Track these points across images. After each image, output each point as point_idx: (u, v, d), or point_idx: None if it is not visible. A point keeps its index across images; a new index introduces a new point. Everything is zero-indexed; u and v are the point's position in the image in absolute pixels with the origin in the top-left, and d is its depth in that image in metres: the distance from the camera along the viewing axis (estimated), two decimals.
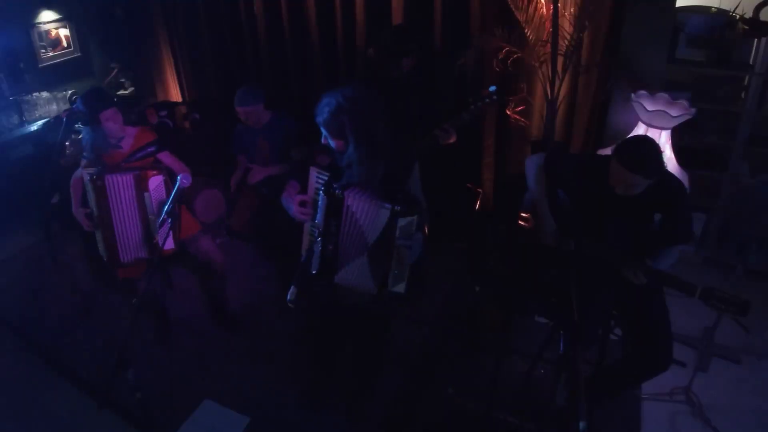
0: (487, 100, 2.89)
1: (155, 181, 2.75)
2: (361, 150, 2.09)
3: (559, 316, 2.22)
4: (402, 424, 2.73)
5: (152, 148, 2.87)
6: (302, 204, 2.20)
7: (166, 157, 2.97)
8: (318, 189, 2.16)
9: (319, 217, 2.14)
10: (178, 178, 2.67)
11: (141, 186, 2.73)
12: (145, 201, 2.74)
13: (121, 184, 2.72)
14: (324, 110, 2.08)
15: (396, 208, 2.07)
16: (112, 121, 2.78)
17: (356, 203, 2.10)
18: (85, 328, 3.36)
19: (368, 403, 2.76)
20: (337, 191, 2.09)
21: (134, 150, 2.85)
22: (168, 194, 2.73)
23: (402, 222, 2.08)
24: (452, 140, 2.95)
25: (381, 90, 3.04)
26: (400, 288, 2.18)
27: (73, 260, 3.71)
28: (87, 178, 2.71)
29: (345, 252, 2.17)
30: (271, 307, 3.49)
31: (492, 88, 2.87)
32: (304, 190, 2.23)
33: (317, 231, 2.15)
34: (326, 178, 2.13)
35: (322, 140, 2.19)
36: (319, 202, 2.13)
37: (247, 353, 3.15)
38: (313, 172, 2.17)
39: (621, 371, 2.46)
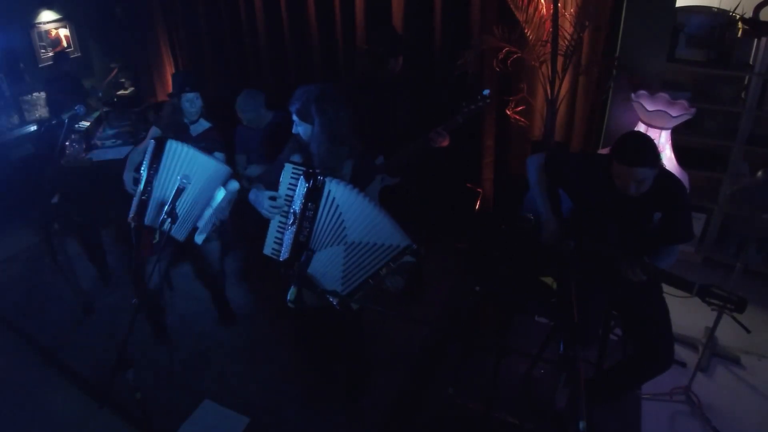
0: (480, 103, 2.89)
1: (232, 185, 2.85)
2: (324, 131, 2.20)
3: (559, 316, 2.23)
4: (402, 424, 2.73)
5: (214, 144, 2.99)
6: (272, 199, 2.23)
7: (220, 159, 3.01)
8: (293, 181, 2.20)
9: (297, 203, 2.16)
10: (178, 178, 2.68)
11: (222, 181, 2.84)
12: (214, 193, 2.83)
13: (180, 156, 2.75)
14: (296, 97, 2.25)
15: (414, 246, 2.13)
16: (189, 103, 2.94)
17: (343, 194, 2.12)
18: (85, 328, 3.36)
19: (368, 404, 2.76)
20: (318, 177, 2.11)
21: (199, 137, 2.99)
22: (231, 203, 2.90)
23: (407, 258, 2.14)
24: (445, 143, 2.95)
25: (371, 91, 3.06)
26: (355, 305, 2.24)
27: (73, 260, 3.71)
28: (154, 134, 2.86)
29: (319, 237, 2.18)
30: (271, 307, 3.49)
31: (485, 92, 2.89)
32: (271, 188, 2.26)
33: (292, 217, 2.16)
34: (302, 170, 2.17)
35: (293, 129, 2.29)
36: (298, 188, 2.16)
37: (247, 353, 3.15)
38: (289, 167, 2.22)
39: (622, 371, 2.46)
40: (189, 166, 2.75)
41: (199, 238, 2.86)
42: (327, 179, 2.11)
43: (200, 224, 2.84)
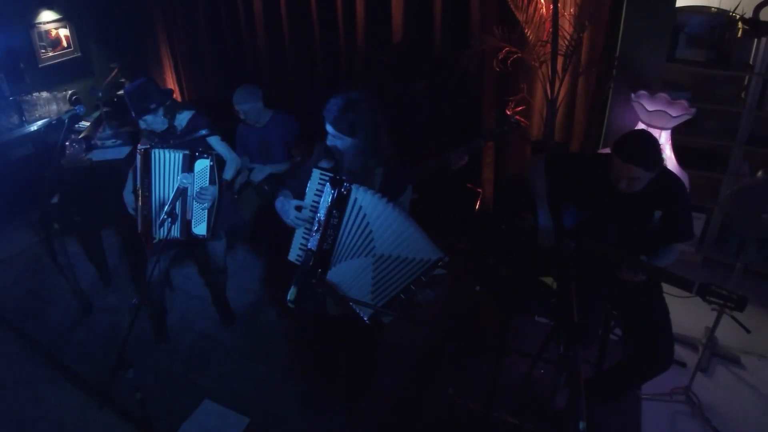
0: (506, 128, 2.87)
1: (201, 164, 2.73)
2: (365, 143, 2.11)
3: (559, 316, 2.23)
4: (402, 424, 2.73)
5: (203, 131, 2.88)
6: (298, 209, 2.17)
7: (216, 143, 2.94)
8: (320, 188, 2.13)
9: (322, 210, 2.10)
10: (179, 178, 2.68)
11: (186, 166, 2.72)
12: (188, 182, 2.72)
13: (166, 160, 2.71)
14: (333, 108, 2.10)
15: (446, 259, 2.06)
16: (146, 123, 2.78)
17: (371, 203, 2.05)
18: (85, 328, 3.36)
19: (368, 404, 2.76)
20: (345, 184, 2.05)
21: (185, 131, 2.87)
22: (213, 181, 2.76)
23: (438, 271, 2.09)
24: (464, 162, 2.94)
25: (389, 107, 3.04)
26: (387, 319, 2.20)
27: (73, 260, 3.71)
28: (139, 150, 2.75)
29: (344, 247, 2.13)
30: (271, 307, 3.49)
31: (513, 119, 2.86)
32: (299, 196, 2.20)
33: (317, 225, 2.11)
34: (330, 175, 2.11)
35: (328, 141, 2.17)
36: (323, 195, 2.10)
37: (247, 353, 3.15)
38: (317, 173, 2.15)
39: (621, 371, 2.46)
40: (176, 167, 2.72)
41: (199, 229, 2.80)
42: (354, 187, 2.05)
43: (189, 216, 2.78)
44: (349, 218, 2.08)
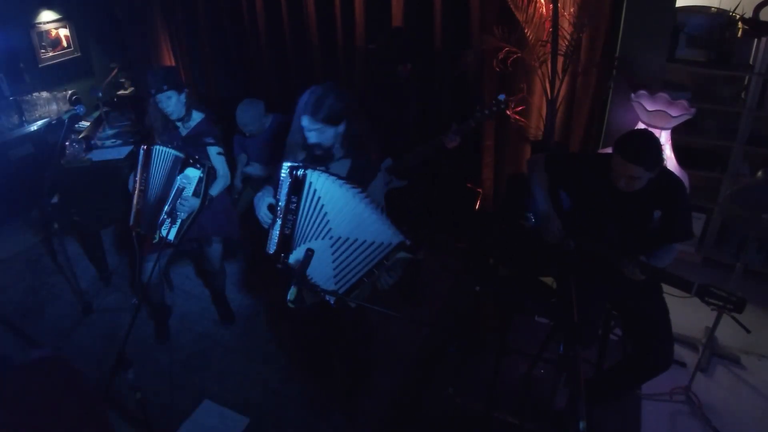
0: (495, 108, 2.88)
1: (191, 173, 2.73)
2: (346, 130, 2.16)
3: (559, 316, 2.23)
4: (402, 424, 2.73)
5: (208, 139, 2.88)
6: (270, 208, 2.19)
7: (214, 155, 2.92)
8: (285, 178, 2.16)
9: (282, 197, 2.14)
10: (178, 178, 2.68)
11: (176, 168, 2.72)
12: (173, 185, 2.74)
13: (162, 157, 2.73)
14: (310, 99, 2.13)
15: (407, 243, 2.07)
16: (161, 102, 2.79)
17: (324, 186, 2.08)
18: (85, 328, 3.36)
19: (368, 404, 2.76)
20: (300, 170, 2.09)
21: (191, 134, 2.88)
22: (197, 192, 2.75)
23: (401, 255, 2.10)
24: (456, 143, 2.96)
25: (379, 93, 3.06)
26: (353, 303, 2.19)
27: (73, 260, 3.71)
28: (142, 147, 2.77)
29: (302, 231, 2.15)
30: (271, 307, 3.49)
31: (501, 96, 2.87)
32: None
33: (278, 210, 2.15)
34: (290, 164, 2.13)
35: (309, 137, 2.18)
36: (283, 182, 2.14)
37: (247, 353, 3.15)
38: (286, 165, 2.17)
39: (621, 371, 2.46)
40: (167, 166, 2.72)
41: (169, 233, 2.77)
42: (308, 171, 2.08)
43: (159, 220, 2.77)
44: (305, 202, 2.11)
